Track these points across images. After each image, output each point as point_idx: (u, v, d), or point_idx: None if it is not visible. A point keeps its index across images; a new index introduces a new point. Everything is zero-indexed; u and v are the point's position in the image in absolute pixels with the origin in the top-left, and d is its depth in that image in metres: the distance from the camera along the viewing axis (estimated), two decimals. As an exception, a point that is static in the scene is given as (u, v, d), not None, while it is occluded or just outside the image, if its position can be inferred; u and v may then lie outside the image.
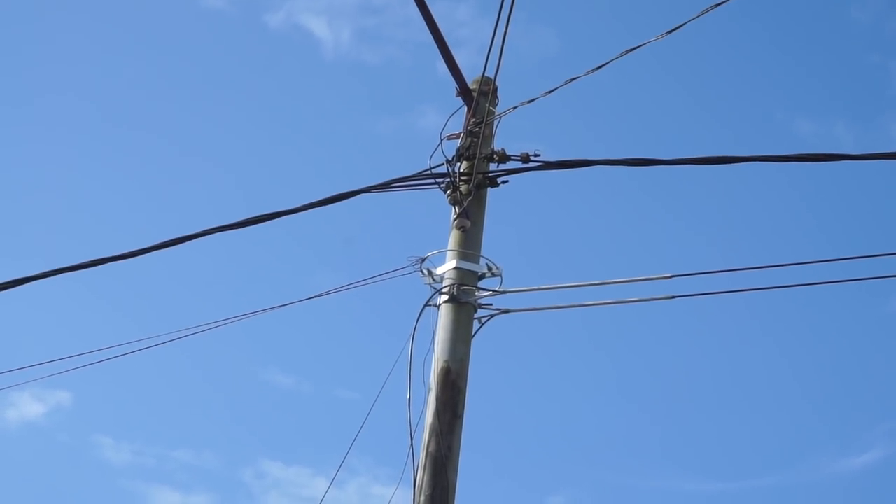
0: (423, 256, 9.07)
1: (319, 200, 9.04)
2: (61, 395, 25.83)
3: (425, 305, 8.89)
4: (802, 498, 25.99)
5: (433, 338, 8.75)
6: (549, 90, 9.43)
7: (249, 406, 26.99)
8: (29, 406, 25.61)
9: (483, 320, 8.90)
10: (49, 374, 9.86)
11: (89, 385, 26.42)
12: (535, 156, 9.22)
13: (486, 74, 9.45)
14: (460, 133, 9.47)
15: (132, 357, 9.88)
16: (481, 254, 9.06)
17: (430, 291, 8.96)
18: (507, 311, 8.97)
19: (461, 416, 8.49)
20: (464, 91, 9.58)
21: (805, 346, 26.98)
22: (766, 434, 26.60)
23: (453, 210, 9.19)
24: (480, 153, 9.28)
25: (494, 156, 9.33)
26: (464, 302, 8.84)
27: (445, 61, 9.42)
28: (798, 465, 26.01)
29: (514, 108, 9.60)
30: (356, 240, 22.69)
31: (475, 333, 8.83)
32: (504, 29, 8.42)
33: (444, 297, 8.87)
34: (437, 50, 9.26)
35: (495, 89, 9.57)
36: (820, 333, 27.01)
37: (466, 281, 8.92)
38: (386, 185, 9.26)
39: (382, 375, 8.90)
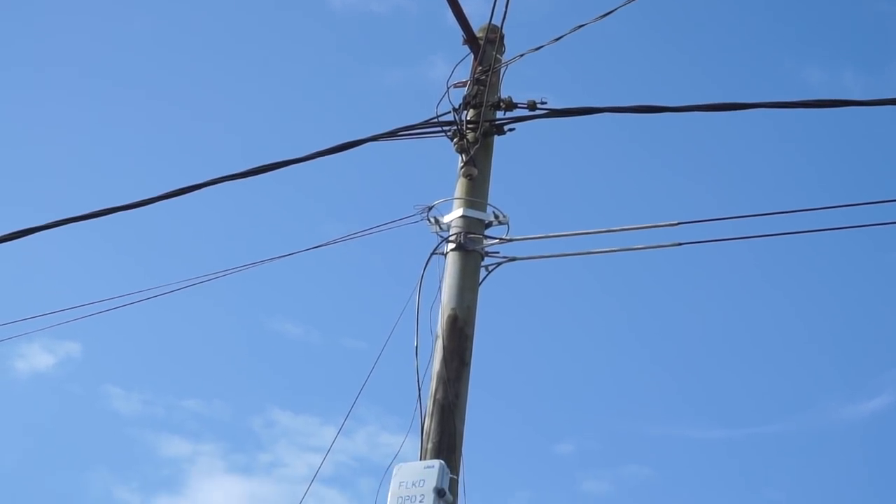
0: (430, 205, 9.09)
1: (326, 149, 9.05)
2: (71, 346, 25.93)
3: (432, 254, 8.91)
4: (810, 444, 26.09)
5: (440, 286, 8.78)
6: (555, 38, 9.42)
7: (258, 355, 27.08)
8: (39, 357, 25.73)
9: (490, 268, 8.93)
10: (58, 323, 9.90)
11: (98, 336, 26.49)
12: (542, 103, 9.22)
13: (492, 22, 9.44)
14: (467, 81, 9.46)
15: (141, 307, 9.91)
16: (488, 202, 9.07)
17: (437, 240, 8.99)
18: (513, 259, 8.99)
19: (468, 364, 8.53)
20: (470, 39, 9.56)
21: (812, 293, 27.00)
22: (774, 381, 26.66)
23: (460, 158, 9.20)
24: (487, 101, 9.28)
25: (501, 104, 9.32)
26: (471, 250, 8.86)
27: (452, 9, 9.41)
28: (806, 412, 26.08)
29: (521, 55, 9.60)
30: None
31: (482, 281, 8.86)
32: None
33: (451, 246, 8.89)
34: (444, -2, 9.25)
35: (502, 37, 9.55)
36: (827, 280, 27.01)
37: (473, 229, 8.94)
38: (393, 134, 9.26)
39: (390, 325, 8.93)
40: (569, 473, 25.82)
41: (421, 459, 8.18)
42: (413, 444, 8.36)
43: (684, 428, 26.00)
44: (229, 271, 9.78)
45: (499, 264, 8.95)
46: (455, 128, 9.24)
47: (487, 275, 8.90)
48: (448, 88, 9.33)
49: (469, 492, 8.22)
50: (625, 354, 26.74)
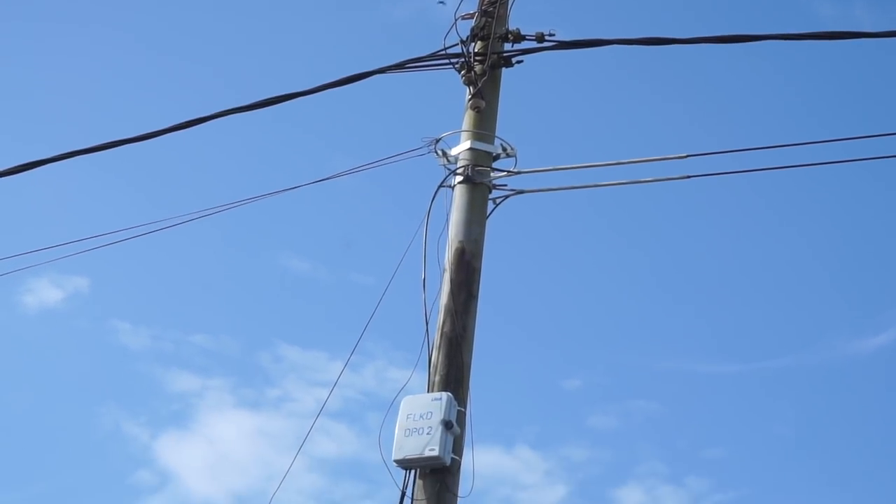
0: (438, 137, 9.05)
1: (333, 82, 9.02)
2: (79, 281, 25.98)
3: (440, 186, 8.89)
4: (818, 379, 26.15)
5: (447, 219, 8.76)
6: (563, -31, 9.34)
7: (266, 291, 27.11)
8: (47, 292, 25.78)
9: (497, 201, 8.91)
10: (65, 256, 9.89)
11: (106, 271, 26.51)
12: (550, 35, 9.15)
13: (500, -47, 9.35)
14: (475, 13, 9.39)
15: (148, 241, 9.90)
16: (496, 134, 9.03)
17: (445, 172, 8.96)
18: (521, 192, 8.96)
19: (476, 297, 8.53)
20: (478, -30, 9.49)
21: (821, 227, 26.96)
22: (782, 315, 26.69)
23: (468, 91, 9.15)
24: (495, 33, 9.22)
25: (509, 35, 9.26)
26: (478, 182, 8.84)
27: (459, -60, 9.33)
28: (812, 347, 26.12)
29: (529, -14, 9.52)
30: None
31: (490, 214, 8.84)
32: None
33: (459, 178, 8.87)
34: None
35: (510, -32, 9.47)
36: (836, 214, 26.97)
37: (481, 162, 8.91)
38: (400, 66, 9.21)
39: (397, 259, 8.92)
40: (576, 408, 25.93)
41: (428, 392, 8.20)
42: (421, 378, 8.38)
43: (692, 362, 26.07)
44: (235, 204, 9.77)
45: (506, 197, 8.93)
46: (463, 60, 9.19)
47: (495, 208, 8.88)
48: (456, 20, 9.27)
49: (477, 426, 8.25)
50: (633, 289, 26.76)
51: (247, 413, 25.84)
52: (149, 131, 8.78)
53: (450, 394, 8.06)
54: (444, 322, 8.41)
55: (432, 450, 7.87)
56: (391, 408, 8.15)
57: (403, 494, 7.97)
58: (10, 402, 26.39)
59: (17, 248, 10.16)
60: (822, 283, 26.86)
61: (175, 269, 27.14)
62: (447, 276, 8.54)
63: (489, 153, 8.95)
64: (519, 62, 9.25)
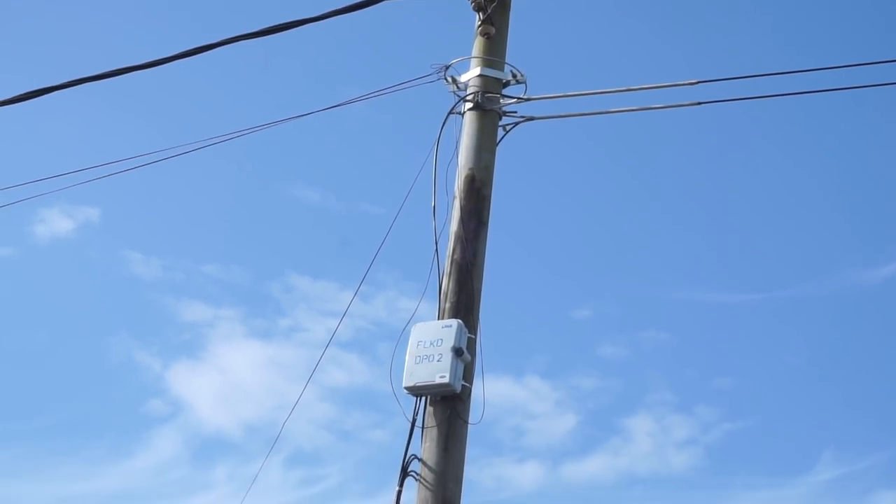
0: (448, 64, 8.99)
1: (342, 8, 8.93)
2: (90, 211, 25.99)
3: (449, 113, 8.84)
4: (828, 308, 26.16)
5: (457, 146, 8.72)
6: None
7: (276, 221, 27.13)
8: (58, 222, 25.80)
9: (507, 128, 8.86)
10: (77, 183, 9.87)
11: (117, 201, 26.52)
12: (560, -40, 9.07)
13: None
14: (484, -62, 9.29)
15: (159, 171, 9.91)
16: (506, 61, 8.96)
17: (455, 99, 8.91)
18: (531, 119, 8.91)
19: (486, 224, 8.50)
20: None
21: (833, 156, 26.85)
22: (792, 245, 26.66)
23: (477, 17, 9.07)
24: (504, -42, 9.12)
25: (519, -39, 9.17)
26: (488, 109, 8.79)
27: None
28: (822, 277, 26.11)
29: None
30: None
31: (500, 141, 8.80)
32: None
33: (469, 105, 8.81)
34: None
35: None
36: (848, 143, 26.85)
37: (491, 88, 8.85)
38: (409, -8, 9.13)
39: (408, 189, 8.88)
40: (586, 338, 26.00)
41: (439, 319, 8.20)
42: (431, 307, 8.37)
43: (702, 292, 26.07)
44: (245, 132, 9.74)
45: (516, 124, 8.88)
46: (472, -15, 9.10)
47: (505, 135, 8.84)
48: (465, -54, 9.17)
49: (487, 356, 8.26)
50: (643, 217, 26.74)
51: (258, 343, 25.95)
52: (157, 58, 8.73)
53: (460, 321, 8.06)
54: (454, 249, 8.39)
55: (443, 377, 7.89)
56: (402, 336, 8.17)
57: (414, 421, 7.99)
58: (23, 332, 26.52)
59: (27, 178, 10.15)
60: (833, 212, 26.81)
61: (186, 200, 27.17)
62: (457, 204, 8.52)
63: (499, 80, 8.89)
64: (529, -13, 9.18)
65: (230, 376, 25.95)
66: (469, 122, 8.76)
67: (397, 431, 7.98)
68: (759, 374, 25.99)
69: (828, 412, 25.79)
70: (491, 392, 8.19)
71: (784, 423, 25.55)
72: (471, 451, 8.04)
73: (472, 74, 8.89)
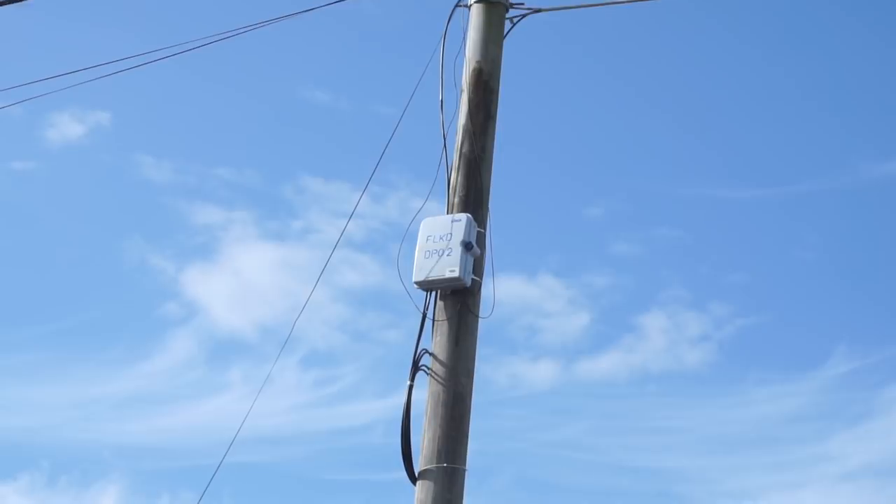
0: (454, -45, 8.86)
1: None
2: (101, 115, 25.93)
3: (456, 6, 8.73)
4: (841, 203, 26.10)
5: (464, 39, 8.63)
6: None
7: (287, 123, 27.09)
8: (69, 127, 25.75)
9: (514, 20, 8.75)
10: (84, 81, 9.79)
11: (127, 104, 26.43)
12: None
13: None
14: None
15: (168, 74, 9.85)
16: (512, -49, 8.84)
17: (461, -9, 8.80)
18: (538, 11, 8.80)
19: (494, 118, 8.44)
20: None
21: (846, 47, 26.62)
22: (804, 139, 26.54)
23: None
24: None
25: None
26: (495, 1, 8.68)
27: None
28: (836, 170, 26.04)
29: None
30: None
31: (507, 34, 8.70)
32: None
33: (476, -3, 8.71)
34: None
35: None
36: (861, 35, 26.60)
37: (497, -21, 8.74)
38: None
39: (418, 87, 8.80)
40: (599, 236, 26.02)
41: (448, 214, 8.17)
42: (440, 204, 8.31)
43: (714, 188, 26.02)
44: (255, 26, 9.63)
45: (523, 16, 8.77)
46: None
47: (512, 27, 8.73)
48: None
49: (499, 254, 8.23)
50: (654, 112, 26.62)
51: (271, 245, 26.02)
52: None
53: (469, 215, 8.03)
54: (462, 143, 8.34)
55: (452, 271, 7.87)
56: (410, 232, 8.13)
57: (424, 316, 8.00)
58: (36, 237, 26.61)
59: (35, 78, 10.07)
60: (847, 105, 26.64)
61: (196, 103, 27.09)
62: (465, 97, 8.45)
63: (505, -30, 8.78)
64: None
65: (244, 278, 26.06)
66: (475, 14, 8.66)
67: (411, 331, 7.99)
68: (772, 269, 26.04)
69: (841, 306, 25.86)
70: (504, 291, 8.18)
71: (797, 318, 25.64)
72: (484, 350, 8.05)
73: (478, -35, 8.77)
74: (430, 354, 7.89)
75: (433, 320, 7.97)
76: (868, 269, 26.05)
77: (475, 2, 8.69)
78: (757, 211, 26.47)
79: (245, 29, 9.61)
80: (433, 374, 7.82)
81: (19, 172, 26.32)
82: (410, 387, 7.80)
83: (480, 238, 8.07)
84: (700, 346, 25.16)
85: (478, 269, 8.05)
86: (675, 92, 26.66)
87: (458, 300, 7.96)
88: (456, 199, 8.22)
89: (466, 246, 7.91)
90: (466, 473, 7.66)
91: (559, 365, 25.19)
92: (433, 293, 8.03)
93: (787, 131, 26.52)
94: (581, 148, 26.32)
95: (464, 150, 8.31)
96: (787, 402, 24.57)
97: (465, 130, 8.34)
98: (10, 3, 8.41)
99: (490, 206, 8.27)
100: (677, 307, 25.29)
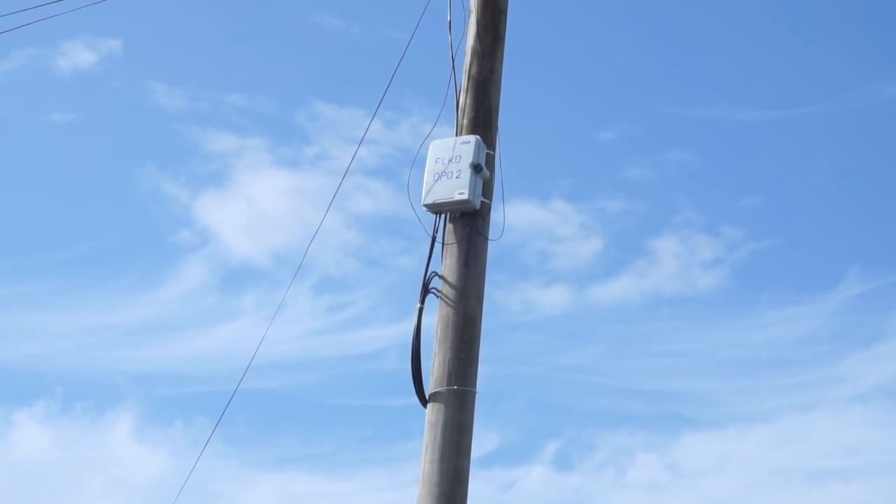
0: None
1: None
2: (112, 43, 25.85)
3: (464, -75, 8.62)
4: (853, 125, 25.97)
5: (472, -42, 8.52)
6: None
7: (301, 49, 26.96)
8: (81, 55, 25.68)
9: (523, -61, 8.64)
10: (95, 2, 9.69)
11: (139, 32, 26.34)
12: None
13: None
14: None
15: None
16: None
17: (468, -90, 8.68)
18: (547, -71, 8.70)
19: (503, 38, 8.34)
20: None
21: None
22: (817, 61, 26.37)
23: None
24: None
25: None
26: (503, -80, 8.57)
27: None
28: (849, 92, 25.87)
29: None
30: None
31: (516, -47, 8.59)
32: None
33: (483, -85, 8.59)
34: None
35: None
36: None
37: None
38: None
39: (429, 11, 8.70)
40: (611, 160, 25.94)
41: (456, 136, 8.11)
42: (450, 126, 8.24)
43: (727, 110, 25.89)
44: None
45: (532, -65, 8.67)
46: None
47: (521, -54, 8.64)
48: None
49: (511, 180, 8.17)
50: (664, 32, 26.42)
51: (285, 172, 26.01)
52: None
53: (478, 137, 7.97)
54: (470, 64, 8.26)
55: (462, 193, 7.83)
56: (420, 157, 8.08)
57: (434, 238, 7.96)
58: (49, 165, 26.61)
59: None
60: (860, 26, 26.42)
61: (208, 30, 26.98)
62: (473, 18, 8.35)
63: None
64: None
65: (257, 205, 26.07)
66: (483, -68, 8.55)
67: (424, 257, 7.95)
68: (784, 192, 25.97)
69: (853, 229, 25.80)
70: (516, 216, 8.14)
71: (810, 241, 25.60)
72: (497, 275, 8.00)
73: None
74: (440, 277, 7.85)
75: (443, 243, 7.94)
76: (881, 191, 25.96)
77: (483, -79, 8.57)
78: (770, 133, 26.37)
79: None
80: (443, 296, 7.80)
81: (31, 101, 26.28)
82: (420, 309, 7.78)
83: (490, 160, 8.01)
84: (713, 269, 25.17)
85: (487, 191, 8.00)
86: (687, 13, 26.45)
87: (468, 223, 7.91)
88: (465, 121, 8.15)
89: (475, 168, 7.85)
90: (477, 396, 7.66)
91: (572, 290, 25.22)
92: (443, 216, 7.99)
93: (800, 52, 26.33)
94: (593, 71, 26.17)
95: (472, 72, 8.22)
96: (799, 325, 24.62)
97: (474, 51, 8.25)
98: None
99: (500, 129, 8.21)
100: (690, 231, 25.27)
